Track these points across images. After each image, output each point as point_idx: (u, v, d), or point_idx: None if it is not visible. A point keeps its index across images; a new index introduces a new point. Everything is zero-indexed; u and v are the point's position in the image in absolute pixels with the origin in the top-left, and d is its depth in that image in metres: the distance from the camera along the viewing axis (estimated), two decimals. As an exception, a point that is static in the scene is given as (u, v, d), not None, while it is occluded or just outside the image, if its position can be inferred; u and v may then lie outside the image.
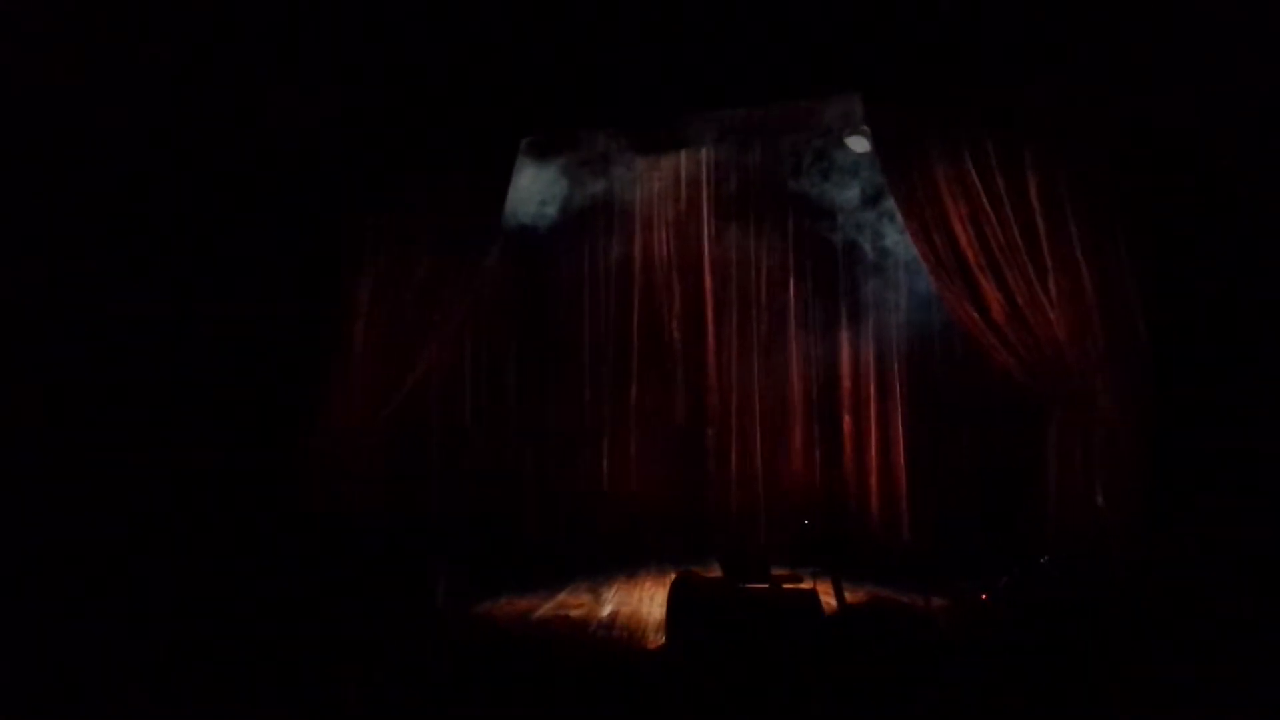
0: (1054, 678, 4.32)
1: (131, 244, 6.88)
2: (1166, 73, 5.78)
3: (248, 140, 7.04)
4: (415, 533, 7.57)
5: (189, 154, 6.93)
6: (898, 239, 8.25)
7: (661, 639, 5.61)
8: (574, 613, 6.81)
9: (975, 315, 6.40)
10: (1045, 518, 6.45)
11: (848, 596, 5.72)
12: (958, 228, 6.40)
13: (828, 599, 5.35)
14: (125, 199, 6.86)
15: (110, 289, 6.78)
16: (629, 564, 8.21)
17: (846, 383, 8.85)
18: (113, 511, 6.39)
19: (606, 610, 6.84)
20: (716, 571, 6.83)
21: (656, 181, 9.48)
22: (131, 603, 5.55)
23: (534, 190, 8.78)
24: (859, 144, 8.13)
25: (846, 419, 8.78)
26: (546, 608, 6.96)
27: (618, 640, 6.15)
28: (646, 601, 6.98)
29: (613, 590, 7.51)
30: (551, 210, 9.03)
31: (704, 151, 9.27)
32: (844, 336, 8.86)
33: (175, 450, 6.71)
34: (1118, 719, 4.13)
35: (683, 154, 9.32)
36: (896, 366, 8.61)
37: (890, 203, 7.56)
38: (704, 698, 4.28)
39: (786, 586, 6.30)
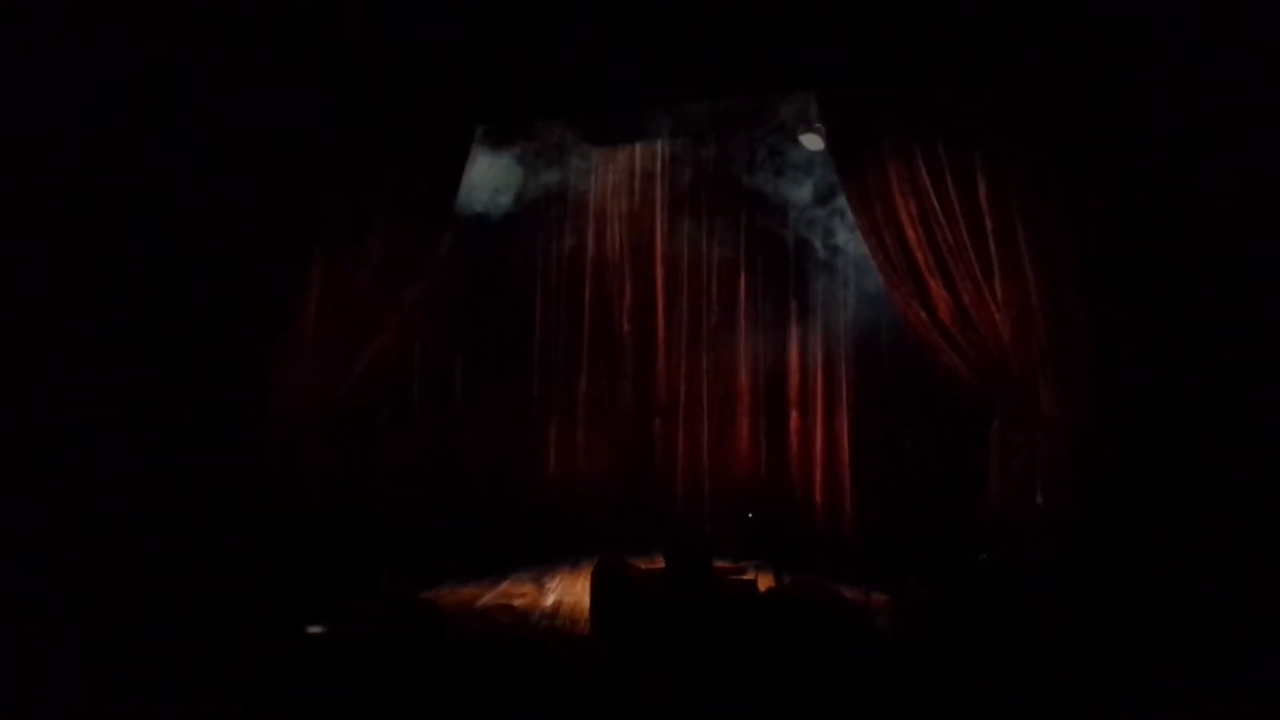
0: (987, 673, 4.38)
1: (71, 226, 6.74)
2: (1114, 77, 5.86)
3: (198, 121, 6.94)
4: (359, 520, 7.52)
5: (141, 137, 6.81)
6: (848, 237, 8.31)
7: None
8: (517, 602, 6.81)
9: (923, 315, 6.46)
10: (987, 515, 6.54)
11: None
12: (908, 227, 6.46)
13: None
14: (61, 182, 6.72)
15: (50, 268, 6.64)
16: (574, 554, 8.20)
17: (794, 378, 8.90)
18: (44, 491, 6.26)
19: (550, 600, 6.85)
20: (660, 562, 6.84)
21: (611, 174, 9.48)
22: (68, 595, 5.45)
23: (488, 179, 8.74)
24: (813, 141, 8.16)
25: (793, 414, 8.83)
26: (489, 597, 6.95)
27: (560, 630, 6.17)
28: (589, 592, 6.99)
29: (556, 580, 7.52)
30: (505, 200, 8.99)
31: (659, 145, 9.28)
32: (793, 332, 8.91)
33: (113, 431, 6.60)
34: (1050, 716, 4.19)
35: (638, 147, 9.32)
36: (844, 363, 8.67)
37: (842, 201, 7.62)
38: (630, 684, 4.30)
39: (727, 578, 6.32)
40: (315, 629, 5.25)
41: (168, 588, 5.64)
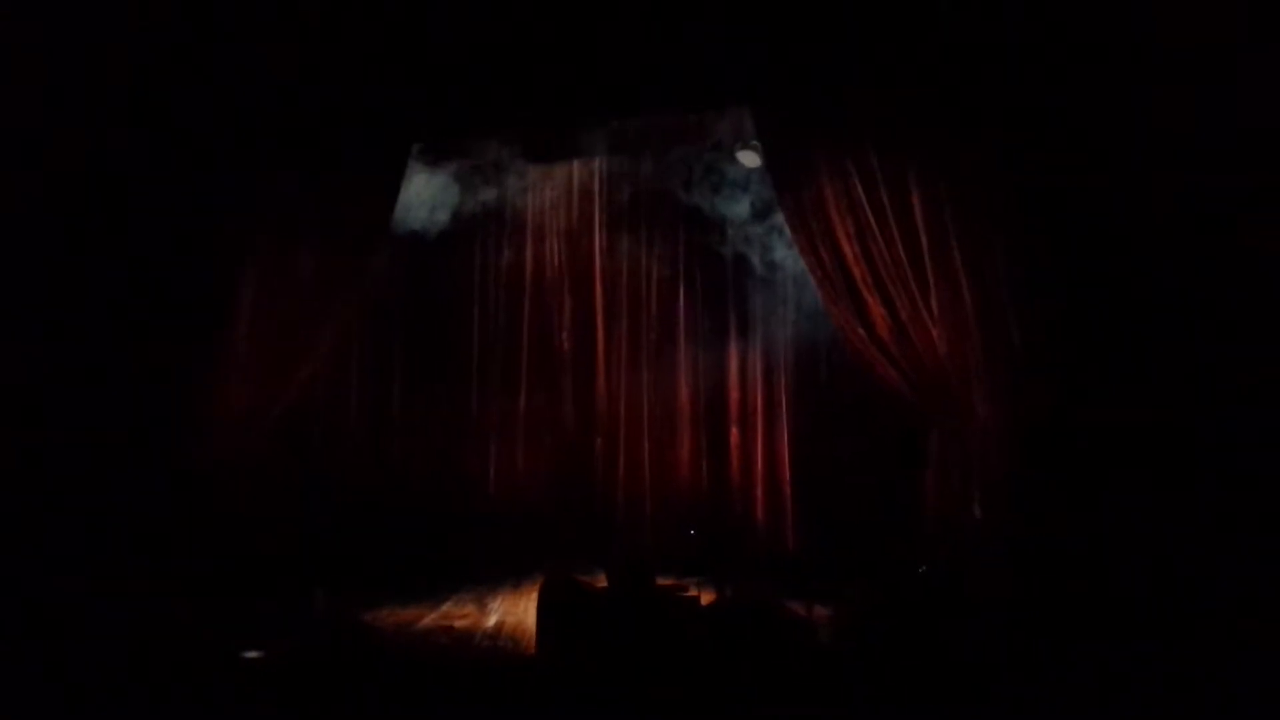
0: (926, 683, 4.41)
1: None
2: (1048, 87, 5.96)
3: (125, 133, 6.81)
4: (295, 540, 7.39)
5: (62, 143, 6.66)
6: (786, 253, 8.39)
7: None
8: (459, 623, 6.74)
9: (860, 330, 6.51)
10: (927, 526, 6.60)
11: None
12: (844, 243, 6.51)
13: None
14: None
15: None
16: (515, 573, 8.15)
17: (734, 394, 8.95)
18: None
19: (492, 620, 6.79)
20: (602, 580, 6.82)
21: (548, 190, 9.48)
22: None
23: (425, 196, 8.69)
24: (749, 158, 8.22)
25: (734, 430, 8.87)
26: (430, 618, 6.87)
27: (502, 651, 6.11)
28: (532, 612, 6.92)
29: (498, 600, 7.45)
30: (442, 217, 8.94)
31: (596, 162, 9.29)
32: (732, 348, 8.96)
33: (45, 455, 6.44)
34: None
35: (575, 164, 9.31)
36: (783, 378, 8.74)
37: (779, 217, 7.67)
38: (576, 701, 4.27)
39: (671, 594, 6.31)
40: (250, 654, 5.14)
41: (94, 609, 5.49)
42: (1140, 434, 5.57)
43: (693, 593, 6.01)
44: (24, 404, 6.49)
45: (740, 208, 8.76)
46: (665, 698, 4.22)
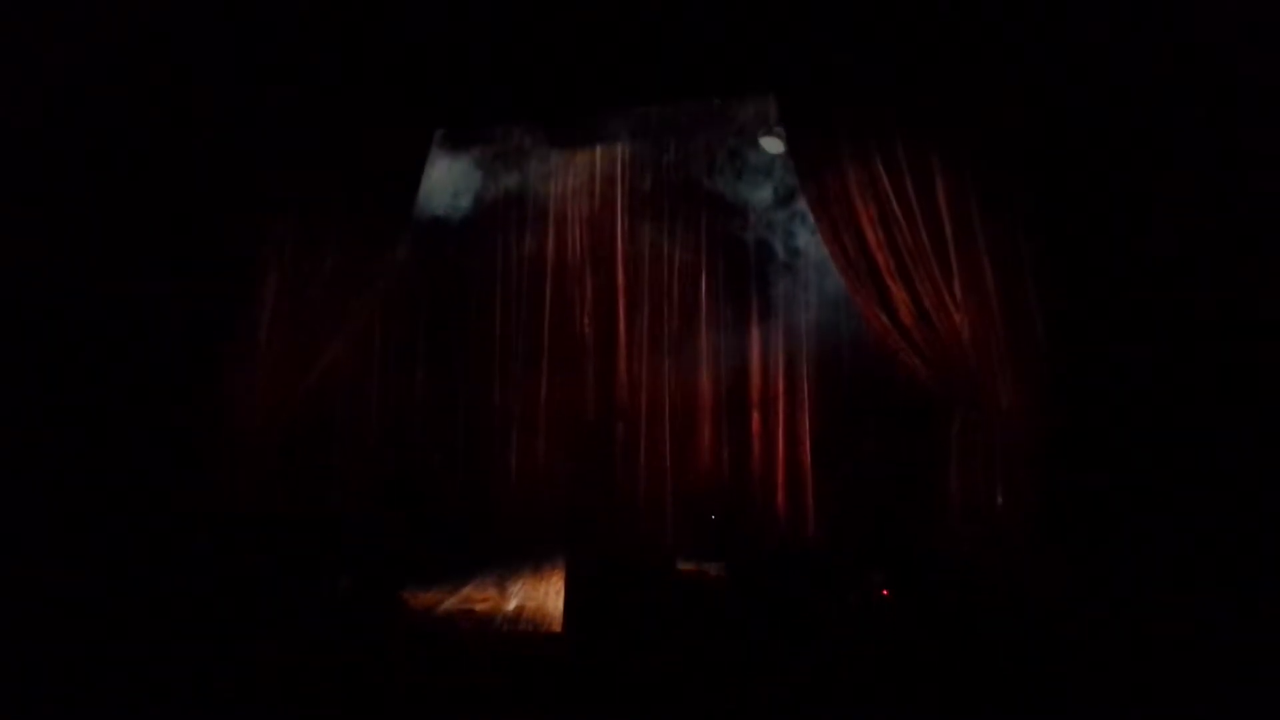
0: (945, 672, 4.41)
1: (29, 230, 6.64)
2: (1071, 81, 5.93)
3: (151, 130, 6.85)
4: (319, 527, 7.43)
5: (90, 138, 6.71)
6: (809, 239, 8.37)
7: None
8: (479, 606, 6.75)
9: (883, 317, 6.49)
10: (948, 515, 6.58)
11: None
12: (867, 230, 6.49)
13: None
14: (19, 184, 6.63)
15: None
16: (535, 558, 8.18)
17: (755, 380, 8.93)
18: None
19: (512, 604, 6.80)
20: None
21: (571, 177, 9.48)
22: (21, 606, 5.35)
23: (447, 182, 8.71)
24: (773, 144, 8.21)
25: (755, 416, 8.87)
26: (451, 601, 6.89)
27: (523, 634, 6.13)
28: (553, 595, 6.95)
29: (519, 584, 7.47)
30: (464, 203, 8.96)
31: (619, 148, 9.29)
32: (754, 335, 8.94)
33: (71, 445, 6.51)
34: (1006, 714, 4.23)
35: (598, 150, 9.32)
36: (805, 365, 8.72)
37: (802, 203, 7.65)
38: (602, 675, 4.29)
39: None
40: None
41: (127, 598, 5.54)
42: (1164, 424, 5.55)
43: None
44: (46, 390, 6.55)
45: (763, 194, 8.75)
46: (687, 673, 4.24)
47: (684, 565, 6.97)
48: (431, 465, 9.08)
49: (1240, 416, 5.38)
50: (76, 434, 6.54)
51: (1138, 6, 5.73)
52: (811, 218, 7.11)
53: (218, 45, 6.67)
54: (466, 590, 7.26)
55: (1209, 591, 4.91)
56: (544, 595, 7.01)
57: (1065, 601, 5.24)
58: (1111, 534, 5.46)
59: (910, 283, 6.36)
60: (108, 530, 6.23)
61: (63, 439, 6.50)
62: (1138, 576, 5.22)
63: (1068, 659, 4.58)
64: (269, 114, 7.08)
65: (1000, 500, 6.15)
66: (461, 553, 8.29)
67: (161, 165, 6.91)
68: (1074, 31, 5.90)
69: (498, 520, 8.92)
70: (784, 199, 8.60)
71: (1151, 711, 4.13)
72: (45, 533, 6.12)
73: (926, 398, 6.78)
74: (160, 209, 6.89)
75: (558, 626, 6.01)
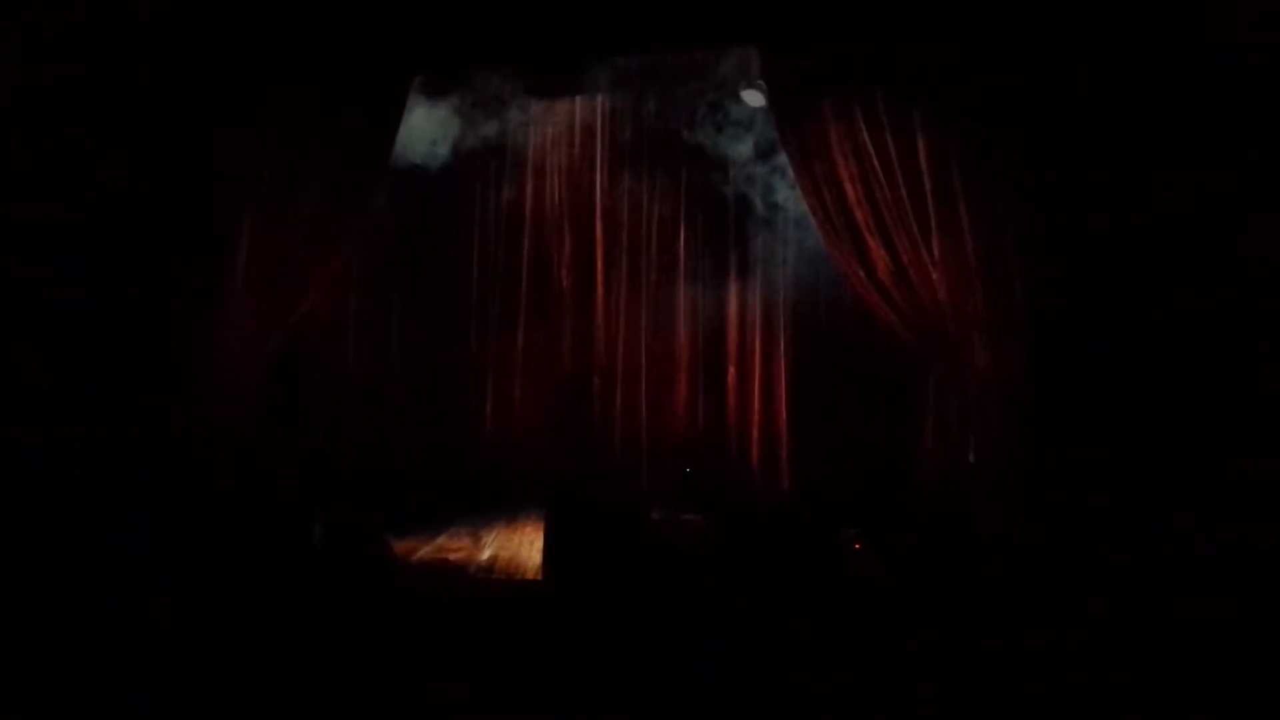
0: (914, 624, 4.46)
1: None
2: (1054, 40, 5.92)
3: (122, 63, 6.73)
4: (293, 476, 7.43)
5: (58, 65, 6.59)
6: (789, 194, 8.35)
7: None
8: (453, 556, 6.79)
9: (861, 273, 6.50)
10: (921, 471, 6.65)
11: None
12: (847, 185, 6.48)
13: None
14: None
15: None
16: (509, 509, 8.20)
17: (733, 334, 8.95)
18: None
19: (486, 554, 6.85)
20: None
21: (550, 127, 9.39)
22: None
23: (425, 130, 8.59)
24: (754, 98, 8.16)
25: (731, 370, 8.89)
26: (425, 551, 6.93)
27: (496, 583, 6.17)
28: (526, 546, 7.00)
29: (492, 535, 7.51)
30: (442, 151, 8.86)
31: (599, 99, 9.20)
32: (732, 289, 8.94)
33: (34, 399, 6.45)
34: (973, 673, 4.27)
35: (578, 100, 9.23)
36: (782, 320, 8.75)
37: (783, 158, 7.63)
38: (581, 625, 4.32)
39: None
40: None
41: (92, 551, 5.51)
42: (1140, 387, 5.60)
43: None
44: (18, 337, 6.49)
45: (743, 148, 8.70)
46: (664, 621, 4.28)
47: (657, 515, 7.02)
48: (405, 414, 9.07)
49: (1220, 381, 5.43)
50: (46, 383, 6.49)
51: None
52: (791, 172, 7.09)
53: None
54: (441, 540, 7.29)
55: (1183, 552, 4.98)
56: (518, 546, 7.06)
57: (1036, 559, 5.31)
58: (1085, 494, 5.51)
59: (889, 240, 6.36)
60: (70, 479, 6.19)
61: (28, 389, 6.44)
62: (1108, 542, 5.28)
63: (1038, 616, 4.63)
64: (248, 55, 6.96)
65: (972, 458, 6.21)
66: (436, 503, 8.31)
67: (129, 117, 6.79)
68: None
69: (472, 472, 8.92)
70: (765, 153, 8.56)
71: (1123, 674, 4.19)
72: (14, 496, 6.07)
73: (903, 355, 6.82)
74: (129, 159, 6.79)
75: (531, 576, 6.06)
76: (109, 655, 4.26)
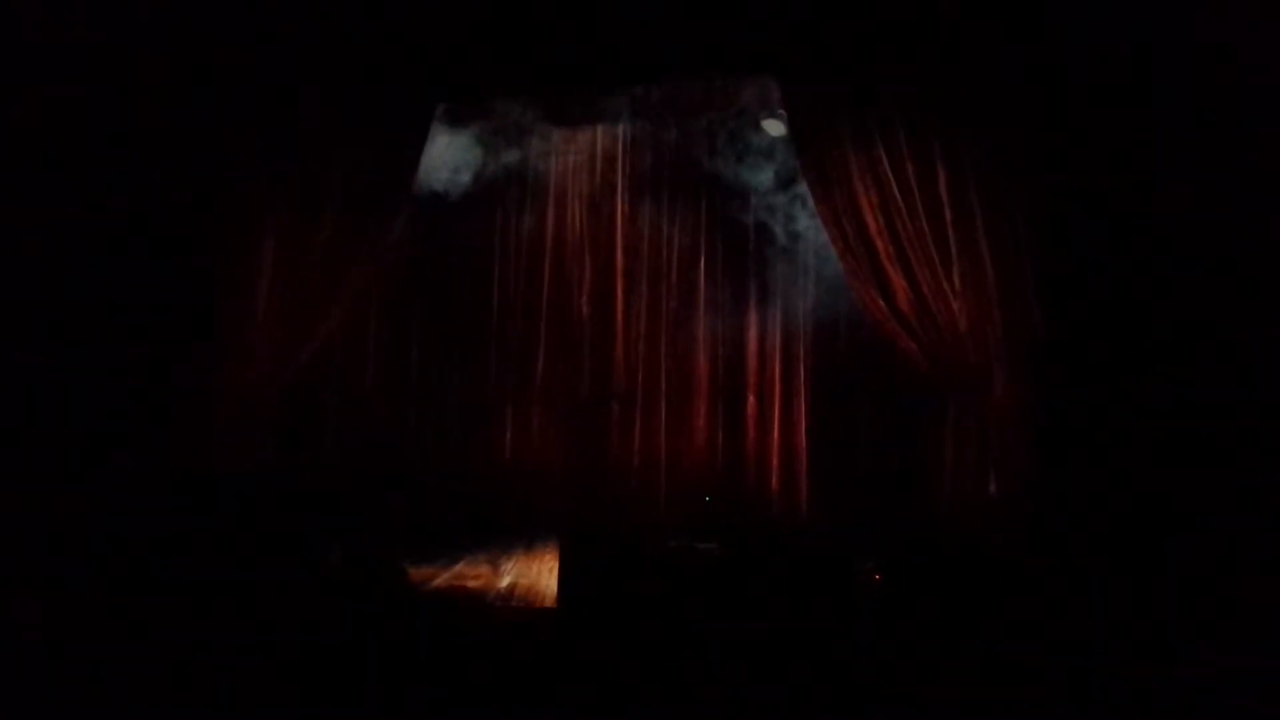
0: (934, 658, 4.42)
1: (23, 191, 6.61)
2: (1072, 72, 5.94)
3: (147, 94, 6.81)
4: (312, 501, 7.43)
5: (84, 99, 6.67)
6: (808, 223, 8.35)
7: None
8: (471, 583, 6.76)
9: (881, 302, 6.50)
10: (941, 501, 6.61)
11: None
12: (868, 215, 6.49)
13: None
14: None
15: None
16: (528, 536, 8.18)
17: (752, 363, 8.94)
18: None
19: (504, 582, 6.81)
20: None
21: (571, 155, 9.43)
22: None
23: (446, 157, 8.65)
24: (775, 127, 8.19)
25: (751, 399, 8.87)
26: (443, 578, 6.90)
27: (515, 611, 6.14)
28: (545, 574, 6.96)
29: (511, 562, 7.47)
30: (463, 179, 8.92)
31: (620, 127, 9.24)
32: (751, 317, 8.94)
33: (60, 416, 6.50)
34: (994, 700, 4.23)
35: (599, 129, 9.27)
36: (802, 349, 8.73)
37: (803, 187, 7.64)
38: (596, 652, 4.30)
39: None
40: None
41: (108, 567, 5.53)
42: (1160, 415, 5.56)
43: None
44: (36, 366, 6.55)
45: (764, 177, 8.72)
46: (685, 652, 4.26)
47: (674, 544, 6.99)
48: (425, 443, 9.08)
49: (1238, 407, 5.39)
50: (66, 398, 6.54)
51: (1139, 6, 5.73)
52: (811, 201, 7.10)
53: (219, 11, 6.62)
54: (459, 567, 7.27)
55: (1203, 578, 4.93)
56: (536, 574, 7.02)
57: (1058, 588, 5.25)
58: (1105, 524, 5.47)
59: (909, 270, 6.37)
60: (92, 497, 6.21)
61: (51, 406, 6.49)
62: (1131, 566, 5.23)
63: (1059, 645, 4.59)
64: (269, 85, 7.04)
65: (994, 488, 6.17)
66: (454, 530, 8.30)
67: (158, 137, 6.87)
68: (1077, 27, 5.90)
69: (491, 498, 8.91)
70: (785, 182, 8.58)
71: (1144, 697, 4.14)
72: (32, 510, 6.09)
73: (923, 384, 6.79)
74: (153, 179, 6.86)
75: (550, 604, 6.02)
76: (120, 678, 4.27)
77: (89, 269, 6.75)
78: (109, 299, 6.74)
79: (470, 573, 7.10)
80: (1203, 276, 5.65)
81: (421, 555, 7.47)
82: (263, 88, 7.03)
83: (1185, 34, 5.64)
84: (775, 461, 8.69)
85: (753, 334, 8.95)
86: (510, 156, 9.06)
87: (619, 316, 9.26)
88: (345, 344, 8.36)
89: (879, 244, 6.46)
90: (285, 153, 7.17)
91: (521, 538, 8.19)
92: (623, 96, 8.31)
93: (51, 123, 6.68)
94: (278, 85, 7.06)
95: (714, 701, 4.00)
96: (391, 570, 6.11)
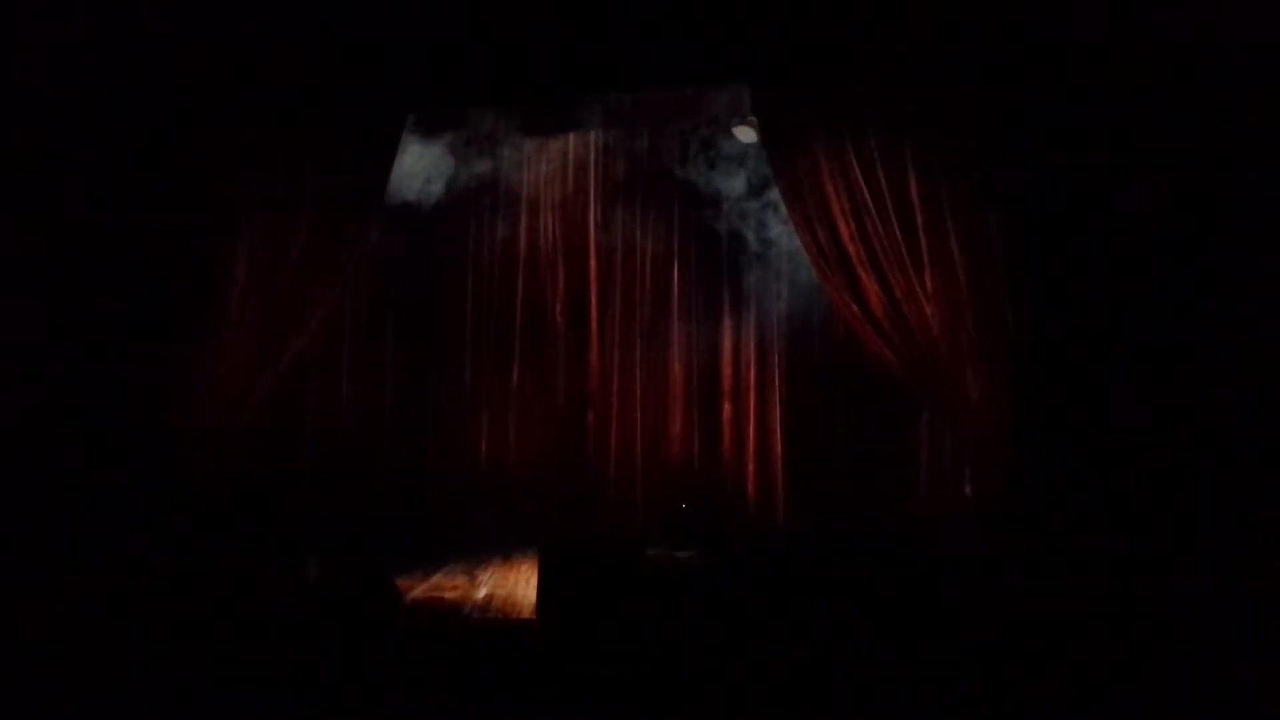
0: (912, 657, 4.44)
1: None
2: (1040, 74, 5.98)
3: (118, 104, 6.77)
4: (286, 513, 7.38)
5: (55, 102, 6.63)
6: (781, 229, 8.38)
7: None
8: (449, 595, 6.74)
9: (855, 307, 6.50)
10: (917, 504, 6.63)
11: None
12: (840, 221, 6.49)
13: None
14: None
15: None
16: (505, 547, 8.17)
17: (727, 369, 8.97)
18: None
19: (482, 592, 6.79)
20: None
21: (544, 164, 9.44)
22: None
23: (419, 168, 8.63)
24: (746, 134, 8.21)
25: (726, 405, 8.90)
26: (420, 589, 6.88)
27: (492, 623, 6.12)
28: (522, 584, 6.95)
29: (489, 572, 7.46)
30: (436, 188, 8.90)
31: (592, 135, 9.25)
32: (726, 324, 8.98)
33: (28, 428, 6.44)
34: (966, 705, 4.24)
35: (571, 137, 9.28)
36: (777, 355, 8.77)
37: (775, 193, 7.68)
38: (575, 664, 4.29)
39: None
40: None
41: (87, 583, 5.47)
42: (1134, 417, 5.60)
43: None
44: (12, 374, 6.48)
45: (736, 183, 8.76)
46: (666, 665, 4.25)
47: (653, 552, 6.98)
48: (400, 452, 9.04)
49: (1214, 408, 5.44)
50: (41, 414, 6.48)
51: (1108, 4, 5.78)
52: (784, 208, 7.12)
53: (192, 18, 6.58)
54: (436, 578, 7.25)
55: (1179, 580, 4.96)
56: (513, 584, 7.01)
57: (1033, 591, 5.28)
58: (1080, 524, 5.50)
59: (882, 274, 6.37)
60: (61, 513, 6.16)
61: (29, 418, 6.43)
62: (1105, 574, 5.26)
63: (1035, 647, 4.61)
64: (242, 92, 6.99)
65: (969, 490, 6.19)
66: (430, 541, 8.27)
67: (131, 143, 6.83)
68: (1044, 28, 5.94)
69: (467, 509, 8.89)
70: (757, 188, 8.61)
71: (1119, 692, 4.17)
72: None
73: (897, 388, 6.81)
74: (126, 187, 6.81)
75: (527, 615, 6.01)
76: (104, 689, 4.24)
77: (61, 272, 6.71)
78: (80, 303, 6.70)
79: (448, 584, 7.08)
80: (1176, 277, 5.69)
81: (398, 565, 7.44)
82: (233, 97, 6.97)
83: (1156, 32, 5.68)
84: (752, 467, 8.72)
85: (727, 340, 8.99)
86: (482, 165, 9.05)
87: (593, 324, 9.26)
88: (320, 353, 8.29)
89: (851, 249, 6.47)
90: (257, 162, 7.12)
91: (498, 548, 8.18)
92: (594, 105, 8.29)
93: (20, 125, 6.62)
94: (248, 94, 7.01)
95: (694, 713, 3.99)
96: (375, 582, 6.08)
